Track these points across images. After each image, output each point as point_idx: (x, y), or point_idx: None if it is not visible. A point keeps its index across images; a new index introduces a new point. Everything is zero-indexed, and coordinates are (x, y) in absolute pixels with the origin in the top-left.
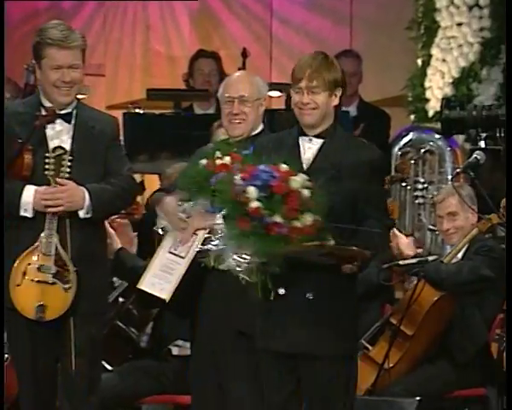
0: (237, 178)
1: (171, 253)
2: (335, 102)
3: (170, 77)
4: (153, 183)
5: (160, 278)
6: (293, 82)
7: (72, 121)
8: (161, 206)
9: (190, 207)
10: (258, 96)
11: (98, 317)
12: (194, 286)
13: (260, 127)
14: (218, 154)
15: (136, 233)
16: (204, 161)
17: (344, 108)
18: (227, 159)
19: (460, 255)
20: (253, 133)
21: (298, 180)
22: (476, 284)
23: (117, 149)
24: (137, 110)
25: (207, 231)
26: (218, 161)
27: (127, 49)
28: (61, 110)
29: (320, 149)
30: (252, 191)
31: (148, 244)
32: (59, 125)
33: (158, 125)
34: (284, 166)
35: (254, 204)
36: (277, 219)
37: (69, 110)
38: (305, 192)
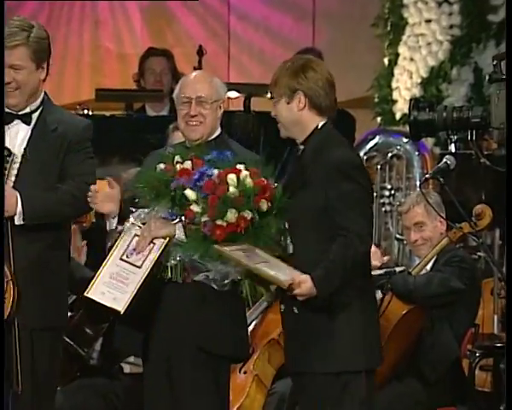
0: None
1: (123, 260)
2: (299, 106)
3: (121, 76)
4: (103, 189)
5: (111, 286)
6: None
7: (32, 123)
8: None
9: (146, 214)
10: (216, 97)
11: (49, 332)
12: (148, 298)
13: (218, 131)
14: (177, 158)
15: (85, 242)
16: (162, 166)
17: None
18: (188, 163)
19: (429, 266)
20: (211, 137)
21: (232, 177)
22: (446, 297)
23: (79, 153)
24: (86, 111)
25: (166, 239)
26: (179, 166)
27: (74, 46)
28: (18, 111)
29: (299, 157)
30: (189, 194)
31: (99, 254)
32: (16, 126)
33: (108, 127)
34: (239, 166)
35: (190, 206)
36: (204, 218)
37: (27, 111)
38: (231, 189)
